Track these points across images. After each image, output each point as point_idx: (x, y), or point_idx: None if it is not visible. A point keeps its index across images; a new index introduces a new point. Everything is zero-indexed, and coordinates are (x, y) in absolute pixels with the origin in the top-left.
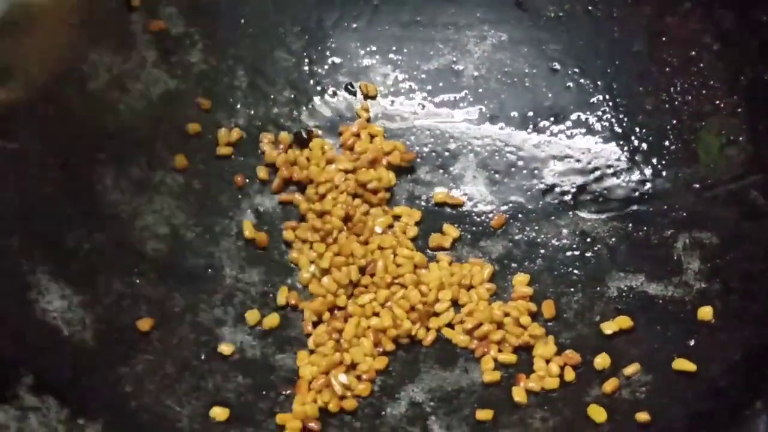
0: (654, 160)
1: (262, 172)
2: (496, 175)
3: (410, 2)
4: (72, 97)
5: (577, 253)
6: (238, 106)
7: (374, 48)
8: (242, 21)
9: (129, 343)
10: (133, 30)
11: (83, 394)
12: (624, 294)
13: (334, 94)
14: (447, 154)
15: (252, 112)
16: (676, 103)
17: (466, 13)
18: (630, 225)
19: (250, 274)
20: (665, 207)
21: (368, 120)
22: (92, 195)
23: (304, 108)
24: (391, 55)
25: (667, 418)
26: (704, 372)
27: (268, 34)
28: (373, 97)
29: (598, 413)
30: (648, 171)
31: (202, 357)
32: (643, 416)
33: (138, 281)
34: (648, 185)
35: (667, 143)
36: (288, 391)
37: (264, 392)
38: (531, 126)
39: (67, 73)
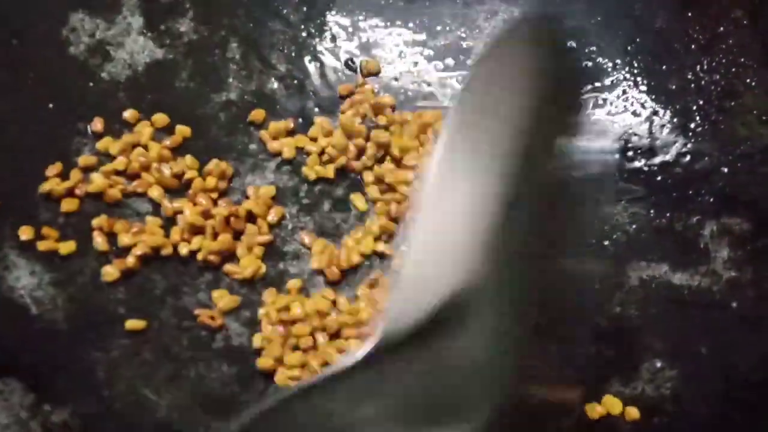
0: (678, 143)
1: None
2: None
3: None
4: (51, 62)
5: (593, 241)
6: (230, 79)
7: (377, 22)
8: None
9: (104, 326)
10: None
11: (51, 378)
12: (646, 284)
13: (334, 70)
14: None
15: (244, 86)
16: (703, 82)
17: None
18: (652, 211)
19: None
20: (690, 192)
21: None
22: (69, 167)
23: (301, 84)
24: (395, 30)
25: (694, 415)
26: (735, 366)
27: (263, 4)
28: (376, 74)
29: (614, 405)
30: (672, 154)
31: (184, 343)
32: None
33: (115, 261)
34: (672, 169)
35: (692, 125)
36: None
37: (250, 383)
38: None
39: (46, 36)
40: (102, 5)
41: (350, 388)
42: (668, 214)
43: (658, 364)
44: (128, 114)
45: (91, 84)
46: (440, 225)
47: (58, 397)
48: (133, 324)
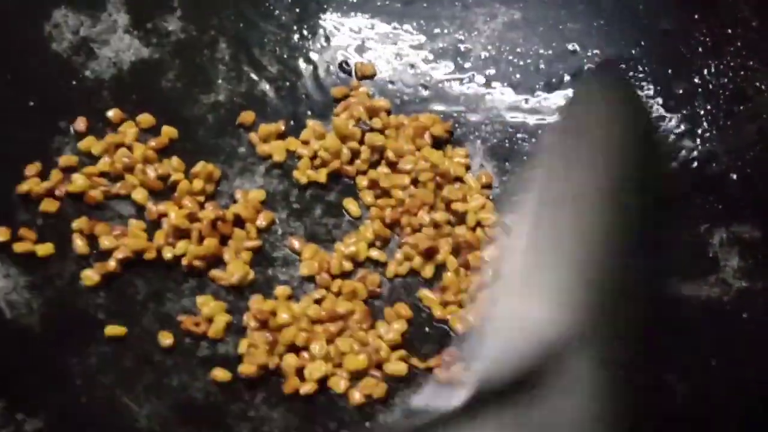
0: (685, 149)
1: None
2: (507, 164)
3: None
4: (32, 58)
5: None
6: (219, 80)
7: (373, 23)
8: None
9: (82, 332)
10: None
11: (25, 386)
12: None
13: (327, 72)
14: (452, 140)
15: (233, 88)
16: (711, 86)
17: None
18: None
19: None
20: (698, 200)
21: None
22: (50, 167)
23: (293, 86)
24: (391, 32)
25: (705, 430)
26: (748, 379)
27: (254, 4)
28: (371, 77)
29: None
30: (678, 160)
31: (167, 351)
32: None
33: (96, 265)
34: (678, 176)
35: (700, 131)
36: (263, 394)
37: (236, 393)
38: (546, 112)
39: (27, 32)
40: (86, 1)
41: None
42: (675, 223)
43: (669, 379)
44: (112, 113)
45: (74, 82)
46: (532, 275)
47: (32, 405)
48: (113, 330)
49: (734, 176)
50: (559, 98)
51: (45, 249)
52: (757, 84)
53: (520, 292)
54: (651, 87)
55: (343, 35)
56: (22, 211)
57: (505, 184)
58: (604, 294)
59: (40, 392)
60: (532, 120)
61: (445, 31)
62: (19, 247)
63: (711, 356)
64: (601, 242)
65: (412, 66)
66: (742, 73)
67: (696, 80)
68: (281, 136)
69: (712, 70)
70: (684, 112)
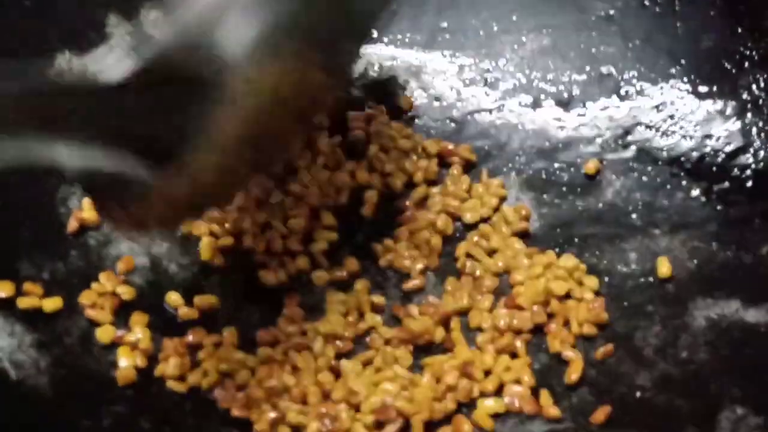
0: (737, 168)
1: None
2: (545, 196)
3: (433, 7)
4: None
5: (651, 279)
6: None
7: (393, 56)
8: None
9: (95, 392)
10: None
11: None
12: (715, 324)
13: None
14: (485, 173)
15: None
16: (761, 101)
17: (500, 17)
18: (714, 244)
19: (249, 312)
20: (757, 220)
21: None
22: (56, 216)
23: None
24: (413, 66)
25: None
26: None
27: None
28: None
29: None
30: (731, 180)
31: (187, 409)
32: None
33: None
34: (733, 197)
35: (752, 149)
36: None
37: None
38: (584, 140)
39: None
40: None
41: None
42: (734, 246)
43: (739, 411)
44: None
45: None
46: None
47: None
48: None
49: None
50: (595, 124)
51: (52, 304)
52: None
53: None
54: (695, 104)
55: (362, 69)
56: (27, 264)
57: (545, 217)
58: None
59: None
60: (569, 149)
61: (470, 61)
62: (23, 303)
63: None
64: None
65: (438, 99)
66: None
67: (744, 96)
68: None
69: (762, 84)
70: (733, 129)
